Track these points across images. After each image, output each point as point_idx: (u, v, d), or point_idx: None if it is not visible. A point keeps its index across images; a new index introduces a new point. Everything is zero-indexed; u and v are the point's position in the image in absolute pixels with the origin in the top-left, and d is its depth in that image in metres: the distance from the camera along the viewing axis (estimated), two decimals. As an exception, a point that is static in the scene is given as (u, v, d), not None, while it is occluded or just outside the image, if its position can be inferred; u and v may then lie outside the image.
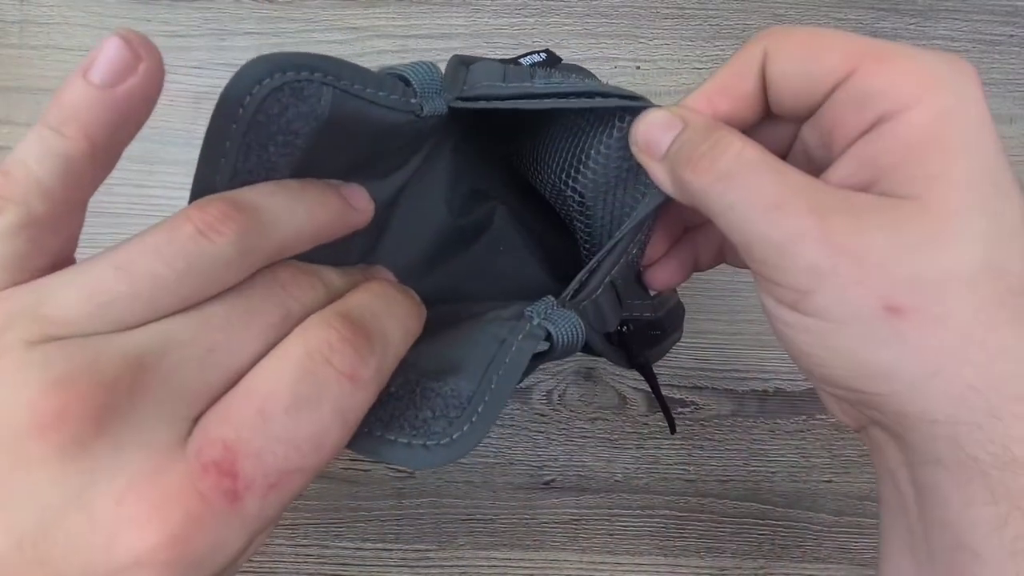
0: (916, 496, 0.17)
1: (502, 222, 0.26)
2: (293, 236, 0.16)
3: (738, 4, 0.36)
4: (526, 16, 0.36)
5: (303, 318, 0.15)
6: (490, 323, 0.19)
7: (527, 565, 0.36)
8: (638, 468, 0.36)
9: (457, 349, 0.19)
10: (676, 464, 0.36)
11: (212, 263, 0.14)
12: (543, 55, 0.25)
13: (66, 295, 0.13)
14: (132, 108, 0.14)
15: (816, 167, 0.18)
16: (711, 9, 0.36)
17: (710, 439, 0.37)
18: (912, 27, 0.36)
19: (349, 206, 0.18)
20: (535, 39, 0.36)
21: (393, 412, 0.17)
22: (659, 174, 0.18)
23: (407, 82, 0.18)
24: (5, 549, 0.12)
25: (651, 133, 0.18)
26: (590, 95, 0.18)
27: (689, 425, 0.37)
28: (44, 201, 0.14)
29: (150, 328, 0.13)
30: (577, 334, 0.19)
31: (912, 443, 0.16)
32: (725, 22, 0.36)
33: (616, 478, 0.36)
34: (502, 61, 0.24)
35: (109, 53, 0.14)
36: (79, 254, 0.33)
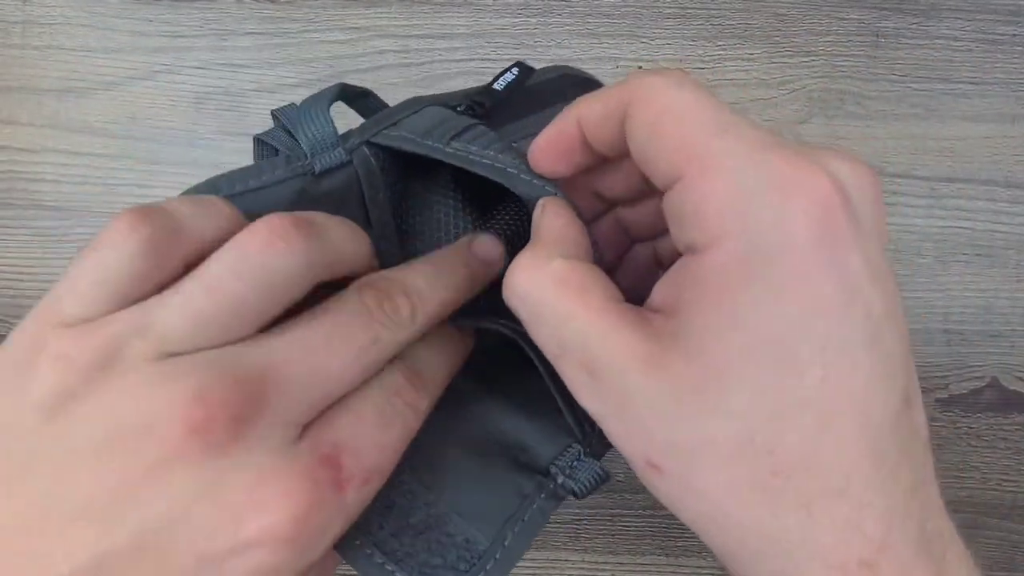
0: None
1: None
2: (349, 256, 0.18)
3: (740, 4, 0.36)
4: (528, 16, 0.36)
5: (388, 341, 0.17)
6: (517, 469, 0.20)
7: (529, 565, 0.36)
8: (640, 468, 0.36)
9: (479, 489, 0.19)
10: (678, 464, 0.36)
11: (285, 278, 0.16)
12: (515, 71, 0.25)
13: (169, 315, 0.15)
14: None
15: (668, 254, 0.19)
16: (713, 9, 0.36)
17: (712, 439, 0.37)
18: (914, 26, 0.36)
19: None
20: (537, 39, 0.36)
21: (409, 550, 0.18)
22: None
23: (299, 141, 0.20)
24: (124, 544, 0.14)
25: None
26: (502, 171, 0.19)
27: (691, 425, 0.37)
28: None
29: (262, 345, 0.15)
30: (600, 478, 0.20)
31: None
32: (727, 22, 0.36)
33: (618, 478, 0.36)
34: (476, 93, 0.23)
35: None
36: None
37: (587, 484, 0.20)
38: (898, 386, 0.14)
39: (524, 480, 0.20)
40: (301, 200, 0.19)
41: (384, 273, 0.18)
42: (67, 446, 0.14)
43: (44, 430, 0.14)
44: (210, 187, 0.18)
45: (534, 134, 0.27)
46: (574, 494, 0.20)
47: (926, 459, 0.15)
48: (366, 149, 0.20)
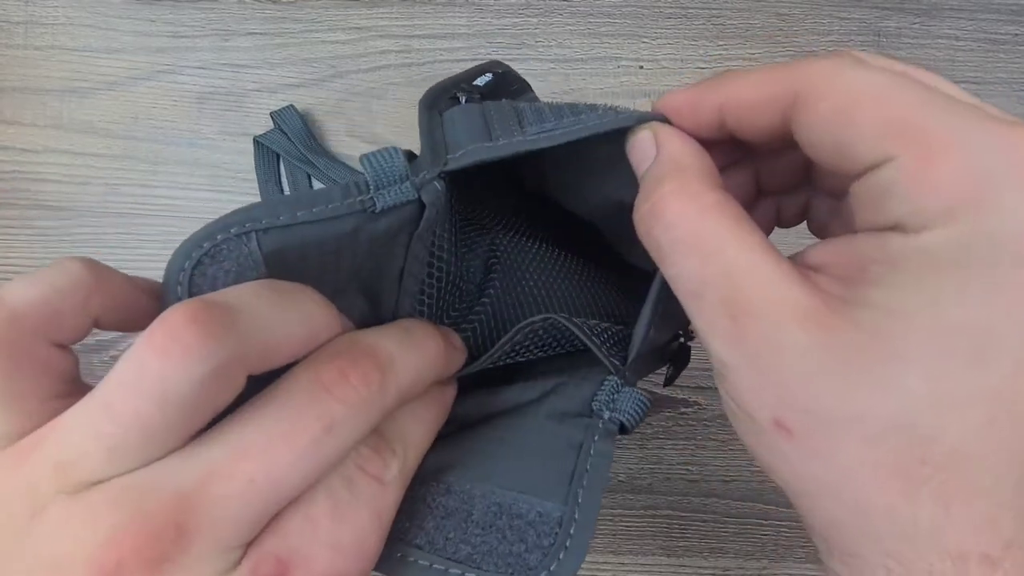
0: None
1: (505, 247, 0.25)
2: (272, 335, 0.15)
3: (742, 3, 0.36)
4: (529, 16, 0.36)
5: (350, 424, 0.15)
6: (559, 422, 0.19)
7: (530, 565, 0.36)
8: (641, 468, 0.36)
9: (530, 459, 0.18)
10: (679, 464, 0.36)
11: (191, 388, 0.13)
12: (493, 75, 0.24)
13: (80, 441, 0.13)
14: None
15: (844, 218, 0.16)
16: (714, 8, 0.36)
17: (713, 439, 0.37)
18: (916, 26, 0.36)
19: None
20: (538, 39, 0.36)
21: (483, 548, 0.17)
22: None
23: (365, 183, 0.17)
24: None
25: (634, 154, 0.17)
26: (593, 126, 0.17)
27: (692, 425, 0.37)
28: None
29: (187, 459, 0.14)
30: (645, 407, 0.19)
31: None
32: (728, 21, 0.36)
33: (619, 478, 0.36)
34: (460, 87, 0.22)
35: None
36: (87, 253, 0.33)
37: (634, 413, 0.19)
38: None
39: (571, 430, 0.19)
40: (351, 241, 0.17)
41: (349, 336, 0.16)
42: None
43: None
44: (248, 217, 0.15)
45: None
46: (623, 428, 0.19)
47: None
48: (437, 184, 0.17)
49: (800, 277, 0.14)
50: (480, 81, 0.23)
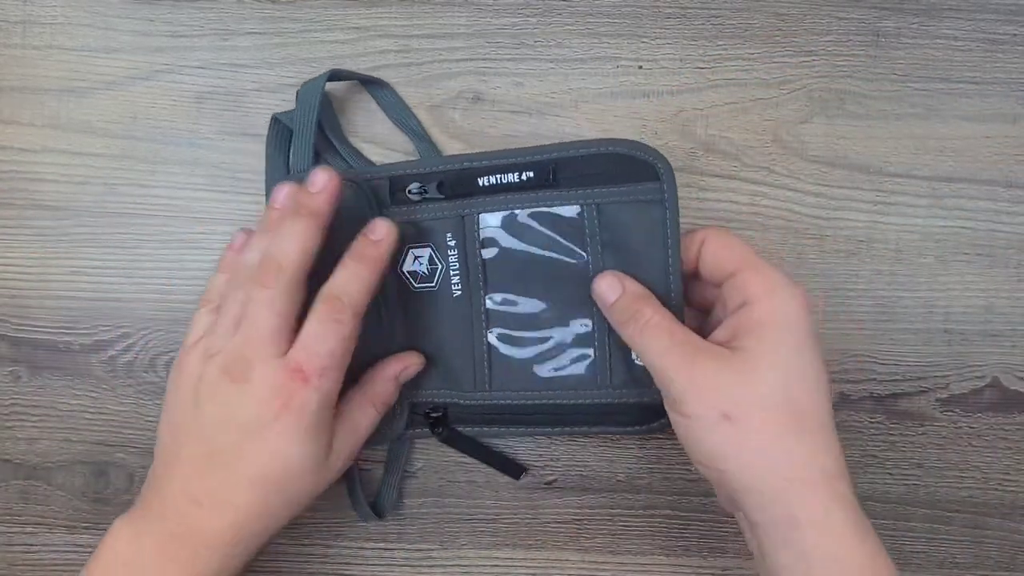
0: (759, 554, 0.27)
1: None
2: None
3: (741, 3, 0.36)
4: (528, 16, 0.36)
5: (258, 298, 0.28)
6: None
7: (529, 565, 0.36)
8: (640, 468, 0.36)
9: None
10: (678, 464, 0.36)
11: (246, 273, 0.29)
12: (530, 175, 0.32)
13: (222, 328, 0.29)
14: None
15: (723, 316, 0.29)
16: (713, 8, 0.36)
17: (712, 439, 0.37)
18: (915, 26, 0.36)
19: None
20: (537, 39, 0.36)
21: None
22: (608, 315, 0.30)
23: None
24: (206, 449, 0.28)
25: (601, 290, 0.30)
26: None
27: (691, 425, 0.37)
28: None
29: (236, 336, 0.29)
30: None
31: (746, 512, 0.26)
32: (727, 21, 0.36)
33: (618, 478, 0.36)
34: (457, 174, 0.33)
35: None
36: (85, 253, 0.33)
37: None
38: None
39: None
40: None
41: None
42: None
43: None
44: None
45: (545, 202, 0.32)
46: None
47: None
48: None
49: (713, 348, 0.27)
50: (502, 178, 0.32)
